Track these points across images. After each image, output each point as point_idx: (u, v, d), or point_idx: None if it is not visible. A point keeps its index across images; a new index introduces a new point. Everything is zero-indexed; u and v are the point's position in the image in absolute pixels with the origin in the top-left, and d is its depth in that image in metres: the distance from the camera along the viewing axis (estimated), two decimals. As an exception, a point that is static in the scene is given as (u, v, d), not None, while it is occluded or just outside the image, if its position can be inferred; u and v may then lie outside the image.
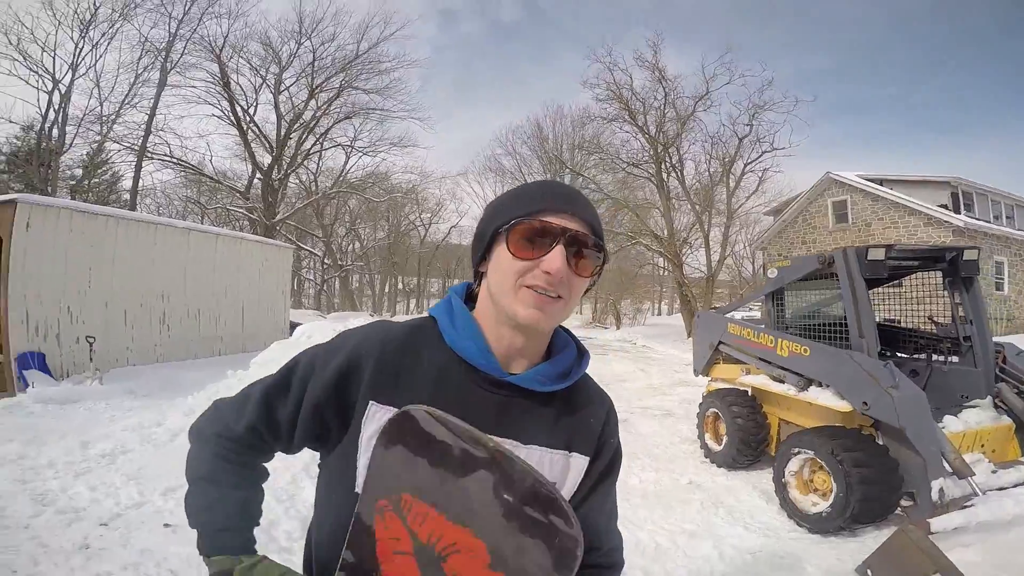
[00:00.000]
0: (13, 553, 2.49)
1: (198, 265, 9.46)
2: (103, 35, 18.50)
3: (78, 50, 18.30)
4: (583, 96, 53.36)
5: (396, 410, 0.68)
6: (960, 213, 14.30)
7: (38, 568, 2.40)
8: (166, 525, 2.86)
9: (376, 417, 0.70)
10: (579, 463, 0.75)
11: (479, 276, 0.77)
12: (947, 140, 75.30)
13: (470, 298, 0.80)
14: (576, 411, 0.77)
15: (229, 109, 20.57)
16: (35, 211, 6.55)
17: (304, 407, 0.72)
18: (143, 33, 18.74)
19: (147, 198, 23.84)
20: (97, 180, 21.52)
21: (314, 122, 22.15)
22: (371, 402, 0.70)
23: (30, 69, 17.79)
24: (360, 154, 24.81)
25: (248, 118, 21.25)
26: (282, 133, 21.69)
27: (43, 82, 18.15)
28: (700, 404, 5.09)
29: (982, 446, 3.36)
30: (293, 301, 19.46)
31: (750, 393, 4.66)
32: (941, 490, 2.86)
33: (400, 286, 48.06)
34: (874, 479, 3.03)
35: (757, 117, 18.01)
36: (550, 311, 0.68)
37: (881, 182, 15.82)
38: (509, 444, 0.70)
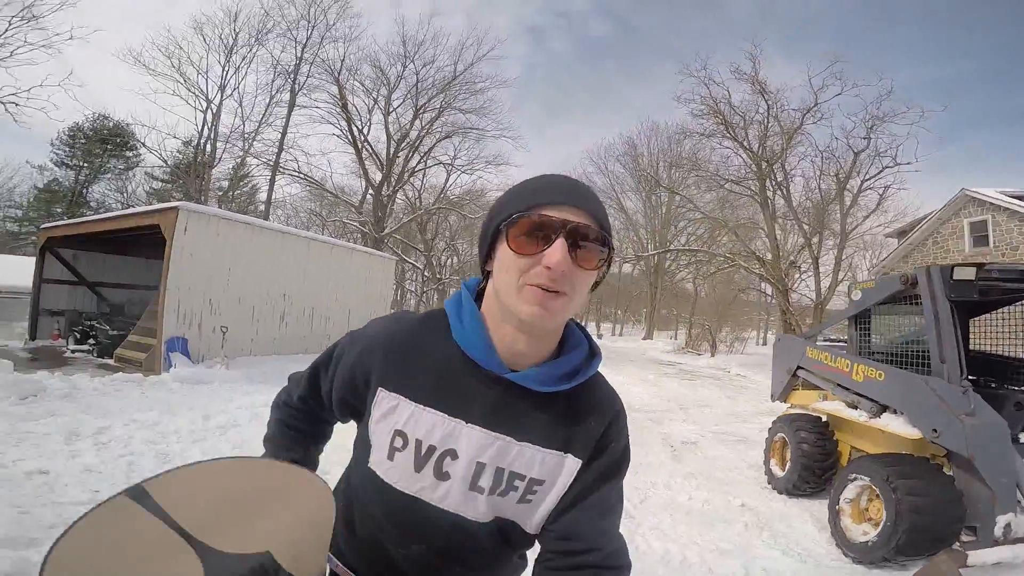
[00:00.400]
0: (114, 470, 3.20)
1: (315, 271, 10.80)
2: (243, 59, 21.88)
3: (224, 72, 21.98)
4: (678, 113, 51.78)
5: (402, 398, 0.75)
6: None
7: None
8: None
9: (383, 403, 0.76)
10: (572, 465, 0.75)
11: (486, 275, 0.77)
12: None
13: (482, 294, 0.80)
14: (577, 413, 0.76)
15: (346, 128, 23.11)
16: (192, 217, 8.01)
17: (335, 384, 0.83)
18: (274, 56, 21.95)
19: (278, 209, 27.35)
20: (239, 191, 25.11)
21: (419, 141, 24.09)
22: (380, 388, 0.77)
23: (188, 90, 21.69)
24: (459, 172, 26.49)
25: (363, 137, 23.67)
26: (391, 152, 23.82)
27: (199, 101, 21.99)
28: (769, 429, 4.91)
29: None
30: (394, 311, 21.08)
31: (823, 419, 4.44)
32: (1008, 525, 2.62)
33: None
34: (927, 509, 2.81)
35: (876, 130, 16.28)
36: (553, 308, 0.67)
37: (1032, 199, 13.58)
38: (503, 440, 0.73)
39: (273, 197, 24.06)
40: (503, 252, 0.70)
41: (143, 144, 24.72)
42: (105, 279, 11.38)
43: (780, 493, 4.39)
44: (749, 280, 22.78)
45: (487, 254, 0.75)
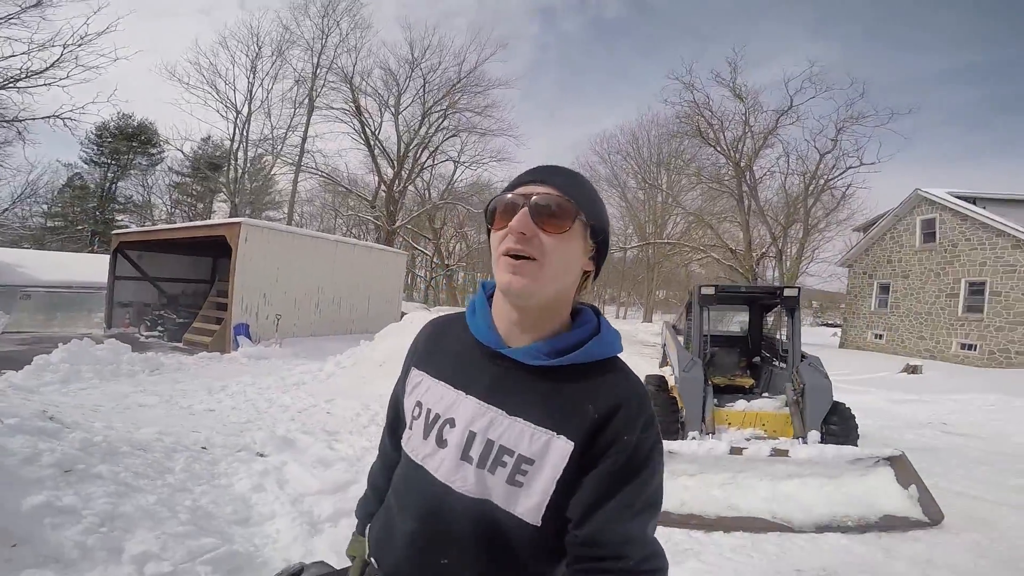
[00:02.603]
0: (263, 418, 5.31)
1: (341, 267, 12.90)
2: (266, 73, 23.97)
3: (250, 85, 23.98)
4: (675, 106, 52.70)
5: (425, 374, 0.86)
6: None
7: (275, 425, 5.16)
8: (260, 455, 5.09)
9: (413, 379, 0.88)
10: (562, 447, 0.71)
11: None
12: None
13: None
14: (576, 393, 0.74)
15: (360, 129, 25.07)
16: (250, 229, 10.12)
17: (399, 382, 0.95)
18: (295, 68, 23.94)
19: (297, 205, 29.40)
20: (267, 195, 27.34)
21: (427, 139, 25.98)
22: (412, 368, 0.90)
23: (219, 100, 23.76)
24: (465, 167, 28.43)
25: (375, 137, 25.57)
26: (401, 150, 25.71)
27: (228, 112, 24.12)
28: None
29: (763, 424, 4.69)
30: (405, 295, 23.35)
31: (664, 377, 6.19)
32: (695, 436, 4.34)
33: (501, 286, 51.56)
34: (662, 407, 4.87)
35: (843, 131, 17.99)
36: (523, 273, 0.71)
37: (974, 200, 15.23)
38: (494, 412, 0.76)
39: (286, 192, 26.14)
40: (492, 236, 0.77)
41: (166, 141, 26.66)
42: (162, 275, 13.44)
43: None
44: (722, 269, 24.71)
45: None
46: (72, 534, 1.80)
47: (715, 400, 4.78)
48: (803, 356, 5.02)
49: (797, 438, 4.36)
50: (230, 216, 22.62)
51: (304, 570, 0.92)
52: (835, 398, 4.61)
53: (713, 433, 4.42)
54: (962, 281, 15.15)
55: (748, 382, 5.53)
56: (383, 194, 26.14)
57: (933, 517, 3.28)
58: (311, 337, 11.46)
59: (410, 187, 28.36)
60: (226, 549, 2.04)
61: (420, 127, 25.48)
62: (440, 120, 25.78)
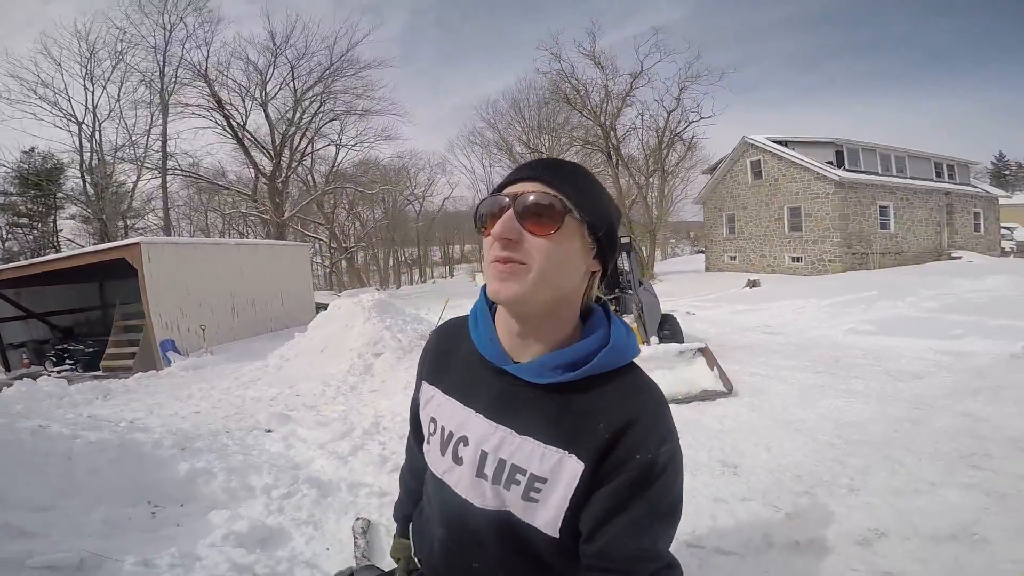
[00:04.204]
0: (246, 408, 6.10)
1: (248, 268, 13.02)
2: (108, 79, 21.51)
3: (89, 93, 21.37)
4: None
5: (436, 389, 0.84)
6: (842, 168, 17.46)
7: (259, 412, 5.96)
8: (267, 431, 4.56)
9: (425, 393, 0.87)
10: (573, 467, 0.68)
11: None
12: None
13: None
14: (586, 409, 0.69)
15: (225, 123, 23.52)
16: (151, 248, 10.07)
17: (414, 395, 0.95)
18: (137, 68, 21.52)
19: (174, 213, 27.24)
20: (122, 203, 24.99)
21: (305, 126, 25.11)
22: (423, 382, 0.88)
23: (53, 114, 20.86)
24: (347, 148, 27.82)
25: (243, 130, 24.06)
26: (275, 140, 24.62)
27: (69, 125, 21.32)
28: None
29: None
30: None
31: None
32: (648, 343, 5.45)
33: (403, 258, 51.74)
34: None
35: (685, 91, 21.00)
36: (512, 279, 0.66)
37: (786, 143, 18.89)
38: (504, 431, 0.72)
39: (147, 198, 24.23)
40: (483, 242, 0.71)
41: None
42: (48, 308, 12.53)
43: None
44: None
45: None
46: (217, 485, 2.72)
47: None
48: (640, 283, 6.54)
49: (643, 343, 5.57)
50: (97, 232, 20.76)
51: (354, 573, 0.96)
52: (677, 313, 6.32)
53: None
54: (784, 207, 18.93)
55: (611, 308, 7.21)
56: (264, 186, 25.10)
57: (727, 389, 4.77)
58: (235, 341, 11.70)
59: (293, 176, 27.45)
60: (309, 472, 3.16)
61: (294, 115, 24.59)
62: (317, 106, 25.09)
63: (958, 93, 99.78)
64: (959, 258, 17.68)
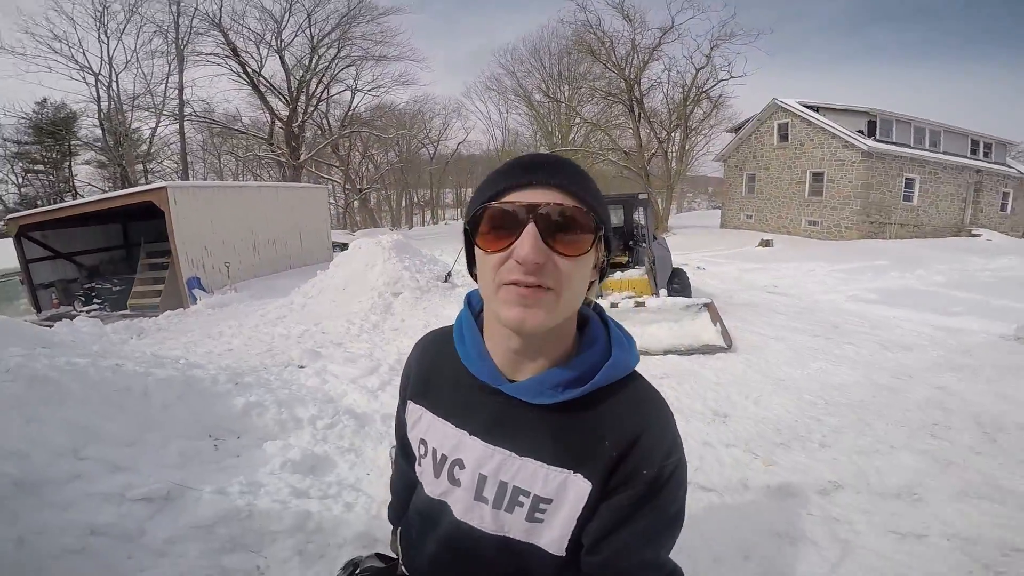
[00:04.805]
0: (276, 345, 6.56)
1: (268, 209, 13.41)
2: (123, 31, 21.38)
3: (104, 45, 21.40)
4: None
5: (424, 409, 0.78)
6: (872, 138, 16.98)
7: (288, 349, 6.38)
8: (300, 367, 4.80)
9: (412, 414, 0.81)
10: (580, 487, 0.64)
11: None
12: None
13: None
14: (590, 426, 0.65)
15: (240, 71, 23.16)
16: (177, 191, 10.42)
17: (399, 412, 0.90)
18: (154, 21, 21.25)
19: (189, 156, 27.43)
20: (157, 149, 25.30)
21: (322, 72, 24.70)
22: (409, 401, 0.82)
23: (69, 66, 21.00)
24: (363, 93, 27.49)
25: (259, 76, 23.69)
26: (291, 86, 24.28)
27: (86, 76, 21.51)
28: None
29: (632, 287, 6.28)
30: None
31: None
32: (659, 293, 6.06)
33: (416, 199, 51.70)
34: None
35: (716, 49, 20.19)
36: (536, 307, 0.58)
37: (817, 108, 18.29)
38: (503, 454, 0.68)
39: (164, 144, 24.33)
40: (477, 252, 0.63)
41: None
42: (74, 249, 12.96)
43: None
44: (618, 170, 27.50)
45: (471, 259, 0.68)
46: (270, 417, 3.07)
47: None
48: (654, 237, 6.83)
49: (653, 295, 5.90)
50: (113, 177, 21.09)
51: (361, 563, 0.97)
52: (688, 267, 6.56)
53: (601, 296, 5.67)
54: (807, 172, 18.59)
55: (624, 259, 7.32)
56: (280, 131, 24.97)
57: (727, 345, 5.07)
58: (257, 278, 12.23)
59: (308, 120, 27.20)
60: (344, 405, 3.59)
61: (311, 61, 24.10)
62: (334, 53, 24.54)
63: (1012, 70, 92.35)
64: (979, 236, 17.35)
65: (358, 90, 27.03)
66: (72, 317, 7.87)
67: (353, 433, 3.19)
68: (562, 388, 0.65)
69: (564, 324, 0.65)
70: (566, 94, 28.08)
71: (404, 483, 0.96)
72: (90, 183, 26.38)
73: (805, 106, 18.47)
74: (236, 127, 26.16)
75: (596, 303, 0.74)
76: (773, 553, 2.32)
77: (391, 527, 1.05)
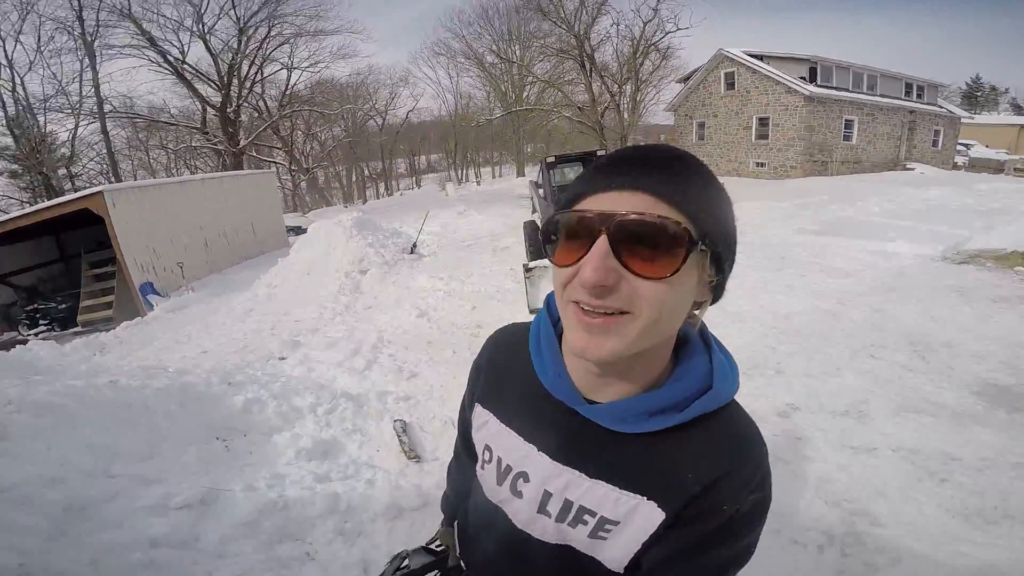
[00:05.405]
0: (250, 341, 6.44)
1: (215, 201, 12.84)
2: (14, 27, 19.40)
3: None
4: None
5: (491, 415, 0.76)
6: (814, 83, 17.65)
7: (264, 342, 6.26)
8: (282, 359, 5.08)
9: (479, 417, 0.78)
10: (651, 514, 0.59)
11: None
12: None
13: None
14: (674, 457, 0.59)
15: (162, 60, 21.40)
16: (115, 195, 9.85)
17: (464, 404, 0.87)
18: (49, 16, 19.36)
19: (115, 154, 25.57)
20: (80, 151, 23.33)
21: (252, 54, 23.19)
22: (476, 404, 0.79)
23: None
24: (301, 71, 26.14)
25: (181, 63, 21.99)
26: (220, 70, 22.70)
27: None
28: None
29: None
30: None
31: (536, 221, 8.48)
32: None
33: (367, 173, 50.17)
34: (535, 241, 7.14)
35: (663, 2, 20.28)
36: (603, 335, 0.51)
37: (761, 57, 18.69)
38: (572, 473, 0.64)
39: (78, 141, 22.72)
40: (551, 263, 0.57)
41: None
42: (5, 270, 11.98)
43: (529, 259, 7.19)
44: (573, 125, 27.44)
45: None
46: (271, 411, 3.16)
47: None
48: None
49: None
50: (31, 187, 20.17)
51: (409, 556, 0.97)
52: None
53: None
54: (754, 117, 19.14)
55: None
56: (214, 118, 23.54)
57: None
58: (213, 275, 11.84)
59: (244, 104, 25.72)
60: (337, 389, 3.70)
61: (239, 43, 22.49)
62: (265, 32, 23.01)
63: (940, 16, 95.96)
64: (912, 169, 18.46)
65: (295, 68, 25.76)
66: (23, 343, 6.97)
67: (354, 415, 3.34)
68: (648, 416, 0.59)
69: (656, 348, 0.57)
70: (517, 53, 27.55)
71: (463, 477, 0.94)
72: (6, 195, 24.47)
73: (750, 55, 18.84)
74: (163, 119, 24.40)
75: (703, 326, 0.64)
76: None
77: (442, 517, 1.03)
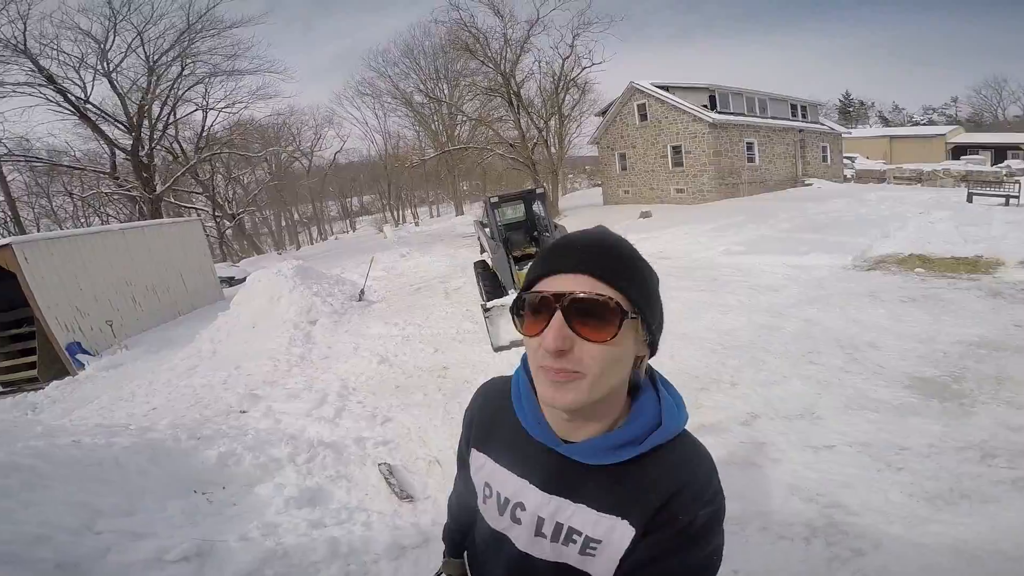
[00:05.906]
0: (203, 397, 6.09)
1: (140, 253, 11.98)
2: None
3: None
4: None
5: (487, 458, 0.87)
6: (715, 111, 19.43)
7: (218, 397, 5.97)
8: (243, 412, 4.89)
9: (476, 460, 0.90)
10: (625, 531, 0.72)
11: None
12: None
13: None
14: (638, 480, 0.72)
15: (62, 99, 19.89)
16: (26, 248, 8.93)
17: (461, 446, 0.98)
18: None
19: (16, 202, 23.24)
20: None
21: (164, 94, 22.17)
22: (472, 449, 0.91)
23: None
24: (217, 112, 25.25)
25: (84, 103, 20.48)
26: (131, 111, 21.53)
27: None
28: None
29: None
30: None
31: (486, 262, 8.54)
32: (508, 291, 6.49)
33: (297, 217, 48.60)
34: (488, 281, 7.37)
35: (578, 38, 21.75)
36: (565, 389, 0.66)
37: (667, 88, 20.41)
38: (559, 500, 0.76)
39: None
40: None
41: None
42: None
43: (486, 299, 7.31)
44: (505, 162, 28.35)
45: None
46: (248, 463, 3.04)
47: (516, 266, 6.80)
48: (556, 225, 7.72)
49: None
50: None
51: None
52: None
53: (515, 285, 6.43)
54: (668, 146, 20.70)
55: (532, 250, 7.93)
56: (125, 162, 22.18)
57: None
58: (147, 332, 11.03)
59: (158, 147, 24.42)
60: (310, 438, 3.62)
61: (149, 83, 21.43)
62: (178, 71, 22.08)
63: (819, 36, 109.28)
64: (811, 184, 20.85)
65: (211, 108, 24.88)
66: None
67: (335, 462, 3.29)
68: (614, 450, 0.72)
69: (610, 397, 0.70)
70: (446, 92, 28.29)
71: (462, 506, 1.05)
72: None
73: (657, 86, 20.52)
74: (66, 163, 22.67)
75: (653, 371, 0.80)
76: (727, 480, 2.91)
77: (443, 546, 1.15)
